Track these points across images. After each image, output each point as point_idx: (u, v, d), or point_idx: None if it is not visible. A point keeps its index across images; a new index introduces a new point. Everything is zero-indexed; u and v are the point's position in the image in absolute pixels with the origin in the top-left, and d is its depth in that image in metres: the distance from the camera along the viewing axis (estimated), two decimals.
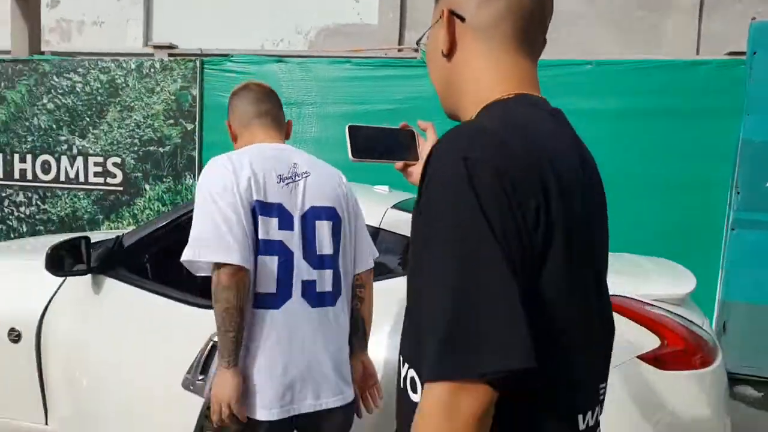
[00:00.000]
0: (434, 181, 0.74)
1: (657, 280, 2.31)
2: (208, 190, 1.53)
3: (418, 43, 1.03)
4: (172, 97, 4.84)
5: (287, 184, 1.63)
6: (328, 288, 1.66)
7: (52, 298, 2.40)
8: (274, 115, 1.77)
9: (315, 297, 1.62)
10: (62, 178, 5.10)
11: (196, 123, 4.80)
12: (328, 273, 1.66)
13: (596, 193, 0.89)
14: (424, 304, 0.71)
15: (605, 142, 3.92)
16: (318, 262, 1.64)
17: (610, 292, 2.07)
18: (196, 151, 4.81)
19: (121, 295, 2.23)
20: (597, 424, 0.86)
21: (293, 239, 1.60)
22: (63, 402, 2.31)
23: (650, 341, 1.97)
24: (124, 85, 4.94)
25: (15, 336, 2.38)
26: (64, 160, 5.08)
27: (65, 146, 5.07)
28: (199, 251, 1.50)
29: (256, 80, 1.89)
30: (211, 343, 1.61)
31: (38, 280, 2.38)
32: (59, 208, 5.11)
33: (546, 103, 0.87)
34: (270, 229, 1.57)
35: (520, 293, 0.67)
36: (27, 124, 5.13)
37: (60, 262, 2.19)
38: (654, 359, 1.95)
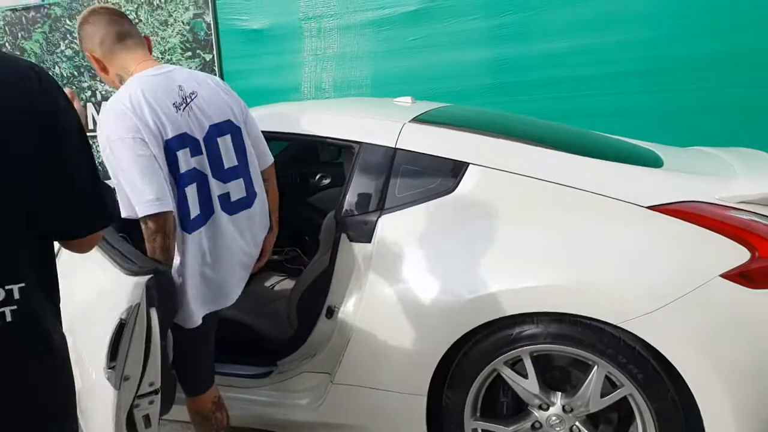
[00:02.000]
0: None
1: (742, 177, 1.87)
2: (118, 139, 1.52)
3: None
4: (186, 27, 4.52)
5: (183, 109, 1.65)
6: (242, 195, 1.78)
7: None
8: (136, 35, 1.74)
9: (231, 206, 1.75)
10: (91, 125, 4.94)
11: (214, 52, 4.48)
12: (239, 182, 1.78)
13: None
14: None
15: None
16: (227, 175, 1.75)
17: (683, 198, 1.57)
18: None
19: None
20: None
21: (204, 162, 1.68)
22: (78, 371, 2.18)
23: (736, 254, 1.58)
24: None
25: None
26: (90, 107, 4.91)
27: (89, 93, 4.89)
28: (135, 209, 1.52)
29: (101, 4, 1.86)
30: (118, 323, 1.37)
31: None
32: (97, 156, 4.99)
33: None
34: (185, 160, 1.63)
35: None
36: (50, 73, 4.96)
37: None
38: (742, 276, 1.57)
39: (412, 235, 1.87)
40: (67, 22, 4.79)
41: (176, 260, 1.65)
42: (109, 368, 1.37)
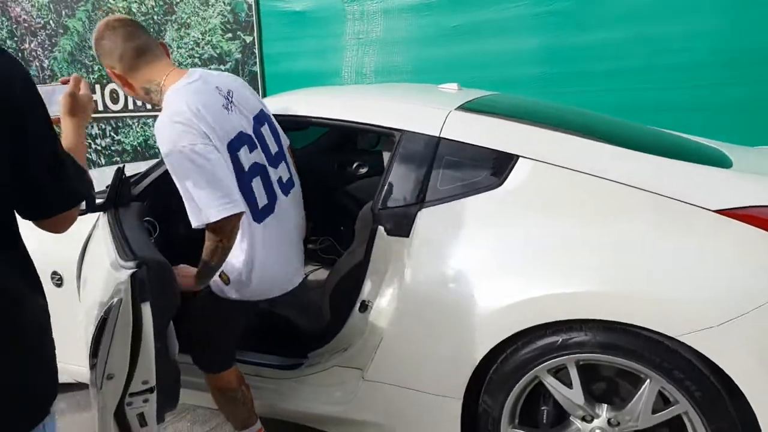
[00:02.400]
0: None
1: None
2: (188, 145, 1.54)
3: None
4: (228, 8, 4.46)
5: (231, 110, 1.70)
6: (288, 175, 1.92)
7: (89, 236, 2.20)
8: (154, 45, 1.73)
9: (284, 187, 1.87)
10: (130, 106, 4.96)
11: (255, 34, 4.42)
12: (283, 164, 1.89)
13: None
14: None
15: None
16: (276, 160, 1.84)
17: (756, 202, 1.45)
18: (258, 65, 4.46)
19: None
20: None
21: (260, 154, 1.76)
22: None
23: None
24: (177, 0, 4.60)
25: (57, 280, 2.22)
26: None
27: None
28: (209, 213, 1.54)
29: (115, 16, 1.81)
30: (101, 319, 1.29)
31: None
32: (131, 138, 5.01)
33: None
34: (246, 156, 1.70)
35: None
36: (91, 53, 4.98)
37: None
38: None
39: (454, 230, 1.76)
40: (110, 0, 4.79)
41: (242, 253, 1.72)
42: (91, 367, 1.30)
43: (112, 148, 5.11)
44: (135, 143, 5.01)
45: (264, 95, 4.49)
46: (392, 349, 1.80)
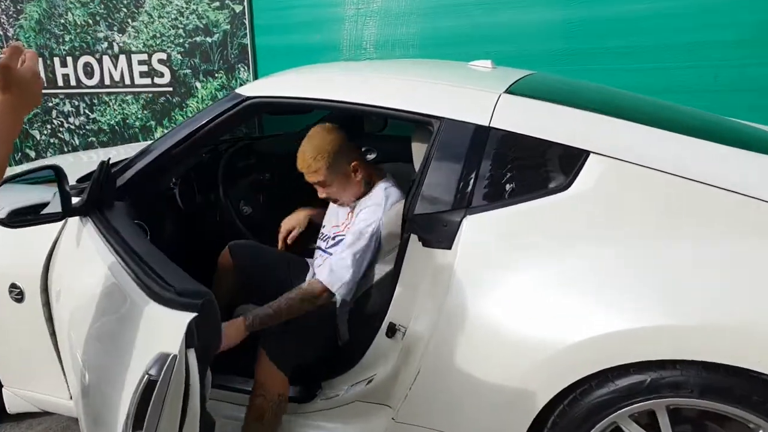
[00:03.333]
0: None
1: None
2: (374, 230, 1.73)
3: None
4: None
5: None
6: None
7: (55, 243, 1.84)
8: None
9: None
10: (107, 81, 4.52)
11: (245, 3, 4.00)
12: None
13: None
14: None
15: None
16: None
17: None
18: (248, 37, 4.05)
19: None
20: None
21: None
22: (73, 374, 1.80)
23: None
24: None
25: (17, 294, 1.86)
26: (107, 60, 4.48)
27: (105, 44, 4.45)
28: (341, 282, 1.68)
29: (324, 125, 1.85)
30: (146, 380, 0.94)
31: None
32: (108, 117, 4.59)
33: None
34: None
35: None
36: (62, 21, 4.53)
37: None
38: None
39: (509, 243, 1.44)
40: None
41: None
42: None
43: (87, 127, 4.68)
44: (112, 122, 4.59)
45: (255, 70, 4.10)
46: (431, 387, 1.48)
